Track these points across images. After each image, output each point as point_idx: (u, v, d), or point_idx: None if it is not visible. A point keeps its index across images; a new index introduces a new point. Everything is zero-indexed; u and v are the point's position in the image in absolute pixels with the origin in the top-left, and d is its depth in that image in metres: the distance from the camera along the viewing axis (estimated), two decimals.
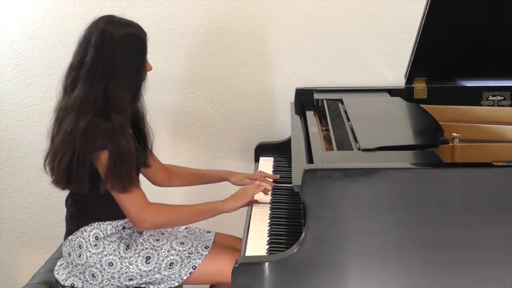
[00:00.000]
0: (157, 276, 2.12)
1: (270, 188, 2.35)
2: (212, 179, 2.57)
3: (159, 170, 2.45)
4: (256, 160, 2.81)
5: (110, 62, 2.06)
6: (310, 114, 2.64)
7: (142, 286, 2.14)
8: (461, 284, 1.76)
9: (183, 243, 2.16)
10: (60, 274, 2.19)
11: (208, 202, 2.29)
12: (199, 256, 2.13)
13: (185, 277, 2.12)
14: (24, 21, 3.00)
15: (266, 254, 1.91)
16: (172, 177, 2.50)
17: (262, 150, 2.85)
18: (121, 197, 2.08)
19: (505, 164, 1.94)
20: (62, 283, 2.17)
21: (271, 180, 2.42)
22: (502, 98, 2.74)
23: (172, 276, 2.13)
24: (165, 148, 3.01)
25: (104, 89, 2.05)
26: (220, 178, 2.55)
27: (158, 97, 3.00)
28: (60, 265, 2.23)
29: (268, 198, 2.32)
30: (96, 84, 2.05)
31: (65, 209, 2.24)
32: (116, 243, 2.13)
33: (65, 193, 2.21)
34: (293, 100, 2.87)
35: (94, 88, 2.05)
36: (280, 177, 2.50)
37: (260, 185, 2.30)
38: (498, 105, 2.73)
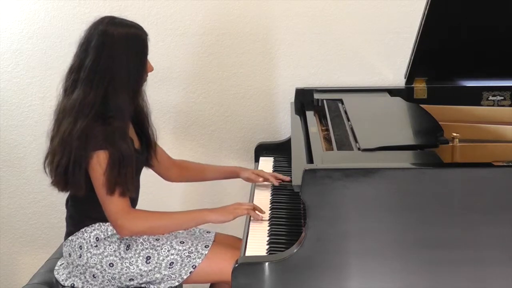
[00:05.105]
0: (158, 275, 2.12)
1: (262, 217, 2.17)
2: (224, 175, 2.57)
3: (171, 166, 2.47)
4: (256, 160, 2.81)
5: (110, 65, 2.06)
6: (310, 114, 2.63)
7: (143, 285, 2.14)
8: (461, 284, 1.75)
9: (183, 243, 2.16)
10: (60, 274, 2.19)
11: (193, 210, 2.23)
12: (199, 256, 2.13)
13: (185, 277, 2.12)
14: (24, 21, 3.00)
15: (266, 254, 1.91)
16: (184, 172, 2.52)
17: (262, 150, 2.84)
18: (104, 200, 2.06)
19: (505, 164, 1.94)
20: (62, 283, 2.17)
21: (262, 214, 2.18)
22: (502, 98, 2.74)
23: (173, 276, 2.13)
24: (165, 148, 2.99)
25: (103, 92, 2.05)
26: (232, 174, 2.55)
27: (158, 97, 3.00)
28: (60, 265, 2.23)
29: (267, 198, 2.32)
30: (96, 87, 2.05)
31: (65, 209, 2.24)
32: (117, 244, 2.13)
33: (65, 193, 2.21)
34: (293, 100, 2.87)
35: (93, 91, 2.05)
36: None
37: (251, 213, 2.15)
38: (498, 105, 2.72)
